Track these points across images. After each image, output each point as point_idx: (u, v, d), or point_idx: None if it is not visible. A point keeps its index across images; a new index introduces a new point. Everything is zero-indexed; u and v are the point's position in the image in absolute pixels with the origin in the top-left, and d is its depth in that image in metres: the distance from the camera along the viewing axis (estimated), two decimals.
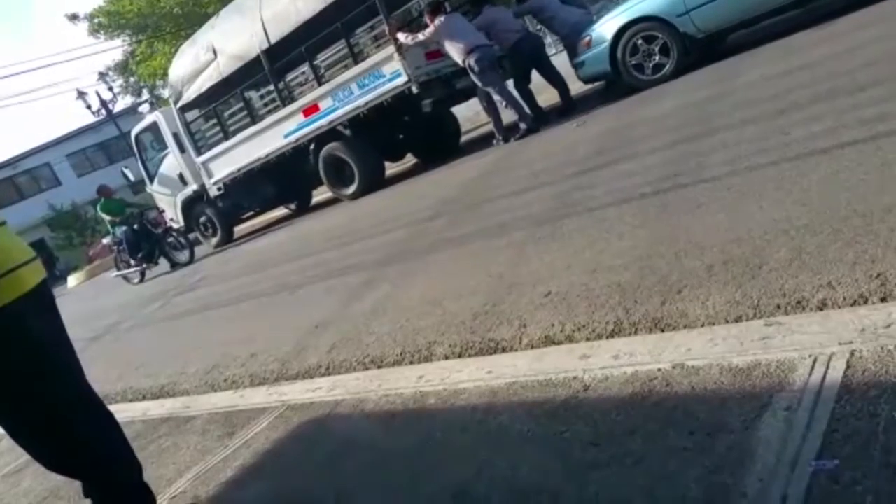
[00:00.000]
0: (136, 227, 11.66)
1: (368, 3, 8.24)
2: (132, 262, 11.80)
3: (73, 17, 29.98)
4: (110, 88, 34.04)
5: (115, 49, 31.94)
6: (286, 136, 9.86)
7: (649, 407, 1.71)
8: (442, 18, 7.93)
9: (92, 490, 1.90)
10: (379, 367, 2.91)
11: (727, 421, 1.53)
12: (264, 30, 9.43)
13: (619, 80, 7.61)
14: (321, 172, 9.86)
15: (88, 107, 34.22)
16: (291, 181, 10.94)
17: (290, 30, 9.16)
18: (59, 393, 1.75)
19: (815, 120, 3.51)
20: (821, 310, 1.86)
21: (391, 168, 11.54)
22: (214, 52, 10.34)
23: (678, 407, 1.66)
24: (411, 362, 2.80)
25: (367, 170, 9.48)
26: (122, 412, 3.66)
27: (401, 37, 8.10)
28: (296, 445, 2.45)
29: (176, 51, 13.06)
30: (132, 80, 32.67)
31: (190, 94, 10.83)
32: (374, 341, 3.20)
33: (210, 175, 11.26)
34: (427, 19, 8.11)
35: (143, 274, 11.96)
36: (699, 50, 7.01)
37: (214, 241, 12.36)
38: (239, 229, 13.61)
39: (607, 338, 2.24)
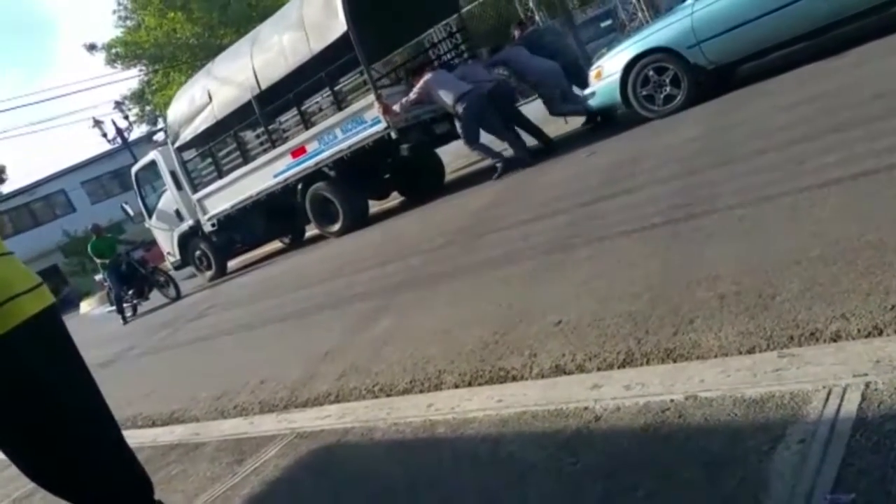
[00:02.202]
0: (123, 267, 12.06)
1: (350, 55, 8.79)
2: (123, 298, 12.10)
3: (91, 48, 30.49)
4: (126, 117, 34.49)
5: (131, 78, 32.46)
6: (276, 176, 10.44)
7: (661, 439, 1.69)
8: (429, 75, 8.56)
9: None
10: (388, 395, 2.89)
11: (740, 453, 1.51)
12: (255, 77, 10.12)
13: (624, 110, 7.66)
14: (308, 210, 10.41)
15: (104, 135, 34.65)
16: (283, 217, 11.41)
17: (279, 77, 9.81)
18: (63, 421, 1.73)
19: (827, 150, 3.51)
20: (835, 341, 1.85)
21: (394, 200, 11.65)
22: (210, 96, 10.99)
23: (691, 439, 1.64)
24: (421, 391, 2.79)
25: (350, 209, 10.01)
26: (132, 438, 3.63)
27: (396, 108, 8.63)
28: (305, 474, 2.43)
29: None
30: (148, 108, 33.07)
31: (186, 135, 11.45)
32: (383, 369, 3.19)
33: (205, 211, 11.83)
34: (413, 81, 8.75)
35: (134, 309, 12.31)
36: (710, 81, 7.05)
37: (209, 274, 12.83)
38: (244, 258, 13.81)
39: (619, 368, 2.23)
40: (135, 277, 12.03)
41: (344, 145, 9.38)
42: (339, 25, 8.61)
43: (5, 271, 1.68)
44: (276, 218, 11.51)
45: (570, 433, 1.89)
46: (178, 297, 11.90)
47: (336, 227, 10.15)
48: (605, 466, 1.67)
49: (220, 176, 11.29)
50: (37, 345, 1.70)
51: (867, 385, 1.56)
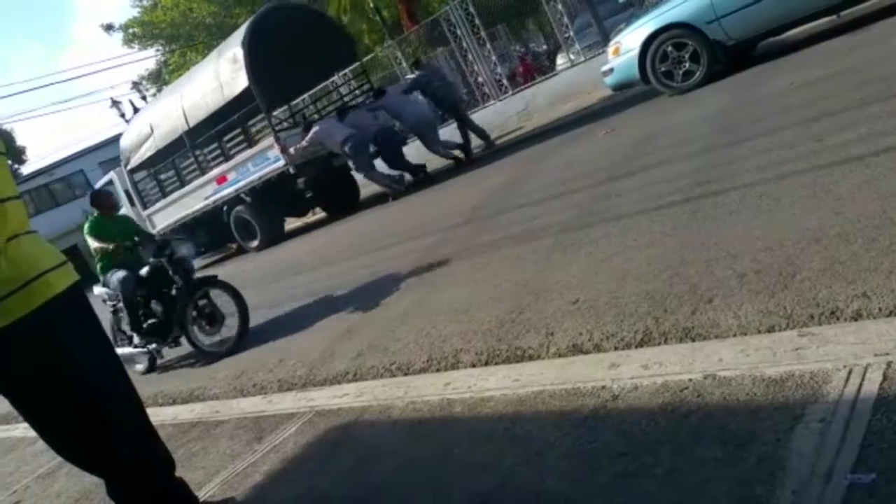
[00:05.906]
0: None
1: (255, 103, 10.57)
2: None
3: (109, 28, 30.61)
4: (143, 97, 34.60)
5: (148, 59, 32.60)
6: (206, 198, 12.19)
7: (679, 417, 1.69)
8: (316, 127, 10.17)
9: (116, 490, 1.91)
10: (405, 373, 2.91)
11: (759, 432, 1.50)
12: (185, 116, 11.90)
13: (642, 87, 7.58)
14: (232, 228, 12.12)
15: (122, 115, 34.79)
16: (223, 228, 12.75)
17: (203, 118, 11.60)
18: (91, 396, 1.76)
19: (848, 127, 3.45)
20: (856, 320, 1.83)
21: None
22: (151, 129, 12.84)
23: (709, 418, 1.64)
24: (438, 370, 2.80)
25: (266, 228, 11.81)
26: (153, 416, 3.68)
27: (291, 151, 10.28)
28: (323, 451, 2.46)
29: None
30: (165, 88, 33.20)
31: (135, 160, 13.27)
32: (400, 348, 3.20)
33: (154, 225, 13.45)
34: (302, 135, 10.31)
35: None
36: (729, 57, 6.94)
37: None
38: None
39: (636, 347, 2.22)
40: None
41: (255, 176, 11.13)
42: (243, 80, 10.40)
43: (33, 249, 1.72)
44: (216, 229, 12.91)
45: (588, 412, 1.89)
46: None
47: (255, 243, 11.89)
48: (622, 445, 1.67)
49: (164, 195, 13.17)
50: (68, 321, 1.73)
51: (889, 364, 1.55)
